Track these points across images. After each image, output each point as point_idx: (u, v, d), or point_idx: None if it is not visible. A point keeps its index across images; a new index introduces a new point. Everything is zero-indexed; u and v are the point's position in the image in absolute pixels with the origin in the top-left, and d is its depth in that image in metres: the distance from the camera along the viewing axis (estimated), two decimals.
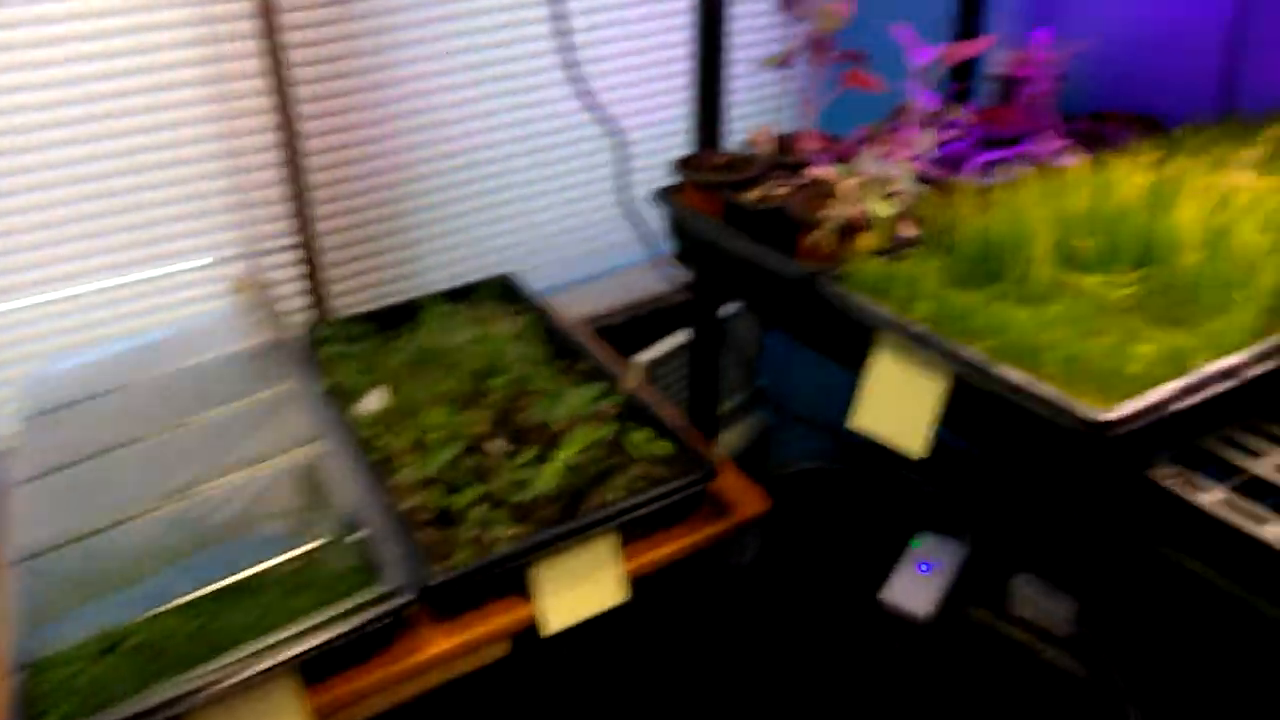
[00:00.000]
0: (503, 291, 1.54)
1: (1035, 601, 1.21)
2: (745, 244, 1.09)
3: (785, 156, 1.25)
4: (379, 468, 1.16)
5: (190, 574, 0.97)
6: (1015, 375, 0.77)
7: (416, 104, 1.55)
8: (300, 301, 1.58)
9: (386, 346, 1.44)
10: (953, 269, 0.92)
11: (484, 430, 1.26)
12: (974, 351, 0.80)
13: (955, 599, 1.26)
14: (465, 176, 1.64)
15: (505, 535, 1.04)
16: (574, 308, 1.74)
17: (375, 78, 1.50)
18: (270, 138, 1.45)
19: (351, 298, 1.62)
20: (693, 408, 1.46)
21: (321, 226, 1.54)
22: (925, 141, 1.06)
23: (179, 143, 1.40)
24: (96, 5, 1.28)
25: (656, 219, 1.89)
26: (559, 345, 1.40)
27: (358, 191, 1.55)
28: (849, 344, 0.96)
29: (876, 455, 1.59)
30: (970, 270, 0.92)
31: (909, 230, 0.99)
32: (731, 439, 1.71)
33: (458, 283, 1.55)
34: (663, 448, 1.09)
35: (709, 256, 1.21)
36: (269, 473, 1.09)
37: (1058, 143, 1.11)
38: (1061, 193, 0.94)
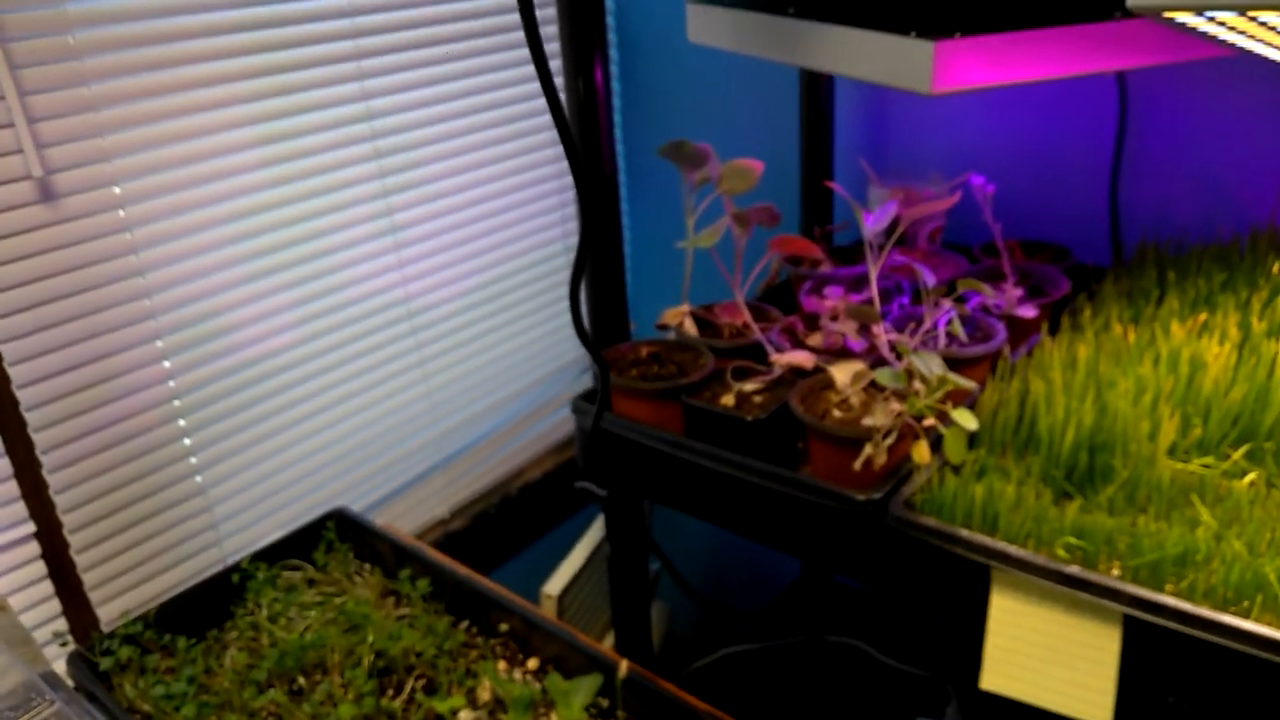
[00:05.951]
0: (341, 532, 1.18)
1: None
2: (740, 464, 0.88)
3: (714, 340, 1.06)
4: None
5: None
6: (1235, 621, 0.64)
7: (176, 315, 1.16)
8: (41, 613, 1.10)
9: (213, 655, 1.03)
10: (1042, 477, 0.79)
11: None
12: (1166, 596, 0.66)
13: None
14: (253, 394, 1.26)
15: None
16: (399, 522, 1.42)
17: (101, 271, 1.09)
18: None
19: (114, 586, 1.16)
20: (620, 636, 1.21)
21: (59, 500, 1.09)
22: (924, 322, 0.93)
23: None
24: None
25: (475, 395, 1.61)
26: (453, 598, 1.08)
27: (103, 445, 1.12)
28: (939, 583, 0.79)
29: (797, 624, 1.42)
30: (1065, 477, 0.79)
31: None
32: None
33: (272, 534, 1.17)
34: None
35: (664, 480, 0.98)
36: None
37: (1017, 292, 1.03)
38: (1123, 364, 0.84)
